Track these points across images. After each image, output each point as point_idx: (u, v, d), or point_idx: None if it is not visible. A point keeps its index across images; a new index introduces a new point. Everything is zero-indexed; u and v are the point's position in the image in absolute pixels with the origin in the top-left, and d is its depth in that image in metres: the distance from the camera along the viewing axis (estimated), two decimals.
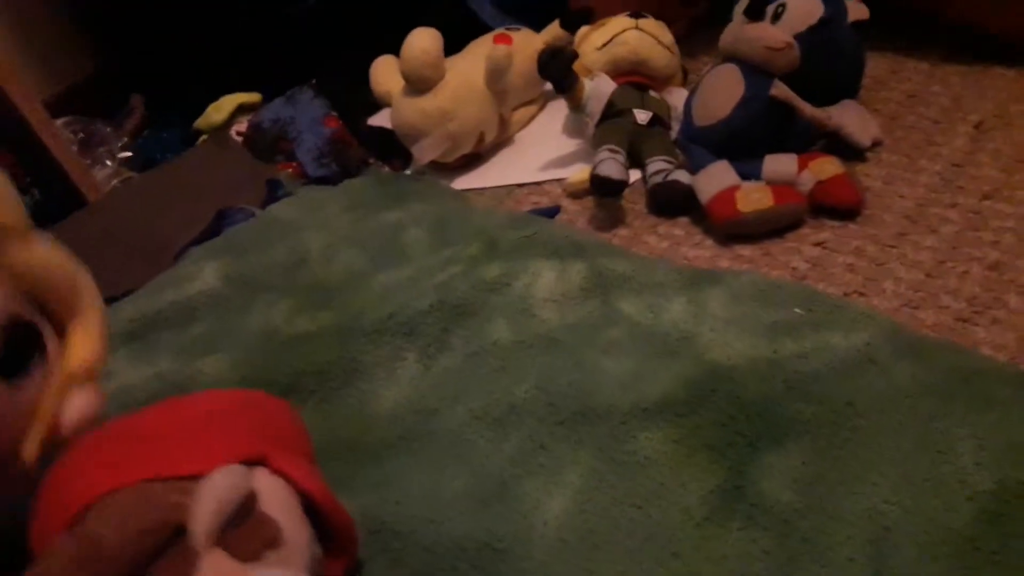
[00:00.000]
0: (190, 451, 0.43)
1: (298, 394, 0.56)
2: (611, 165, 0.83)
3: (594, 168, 0.84)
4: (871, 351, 0.47)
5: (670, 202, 0.84)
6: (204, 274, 0.67)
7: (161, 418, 0.45)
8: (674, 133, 0.93)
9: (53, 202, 1.01)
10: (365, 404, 0.55)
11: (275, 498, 0.42)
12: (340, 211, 0.73)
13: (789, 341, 0.50)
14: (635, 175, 0.89)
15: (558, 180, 0.95)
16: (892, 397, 0.45)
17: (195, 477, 0.41)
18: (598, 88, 0.93)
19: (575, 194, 0.90)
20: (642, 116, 0.91)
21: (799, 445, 0.44)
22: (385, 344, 0.58)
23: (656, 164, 0.86)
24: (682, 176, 0.83)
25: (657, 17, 0.99)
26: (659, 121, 0.92)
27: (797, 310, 0.53)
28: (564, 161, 0.97)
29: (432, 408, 0.54)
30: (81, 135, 1.17)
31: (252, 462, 0.43)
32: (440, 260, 0.65)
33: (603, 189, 0.83)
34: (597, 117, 0.93)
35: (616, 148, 0.88)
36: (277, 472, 0.43)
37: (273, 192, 0.79)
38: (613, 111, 0.92)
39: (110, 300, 0.71)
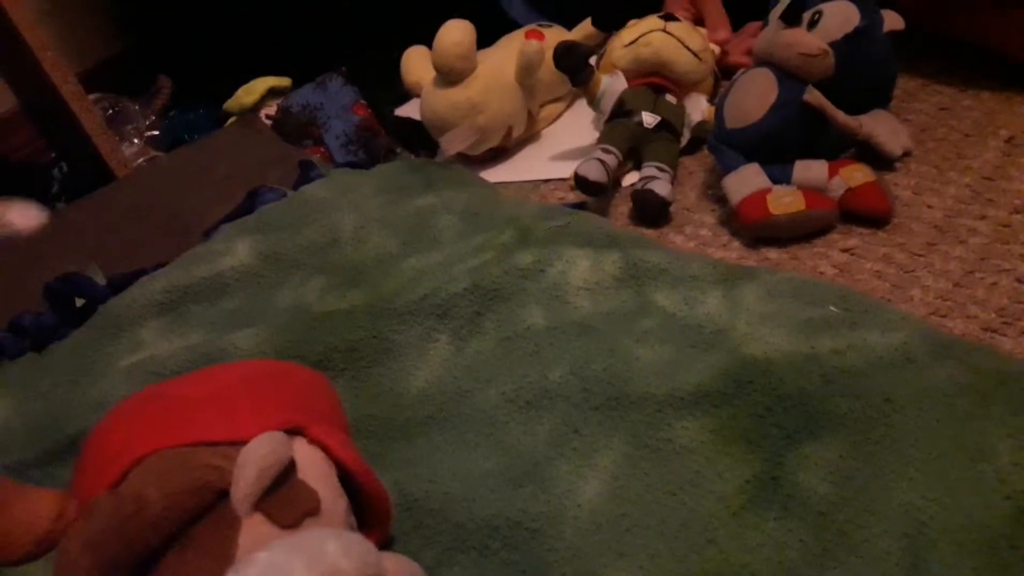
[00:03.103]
0: (230, 417, 0.43)
1: (329, 370, 0.57)
2: (591, 165, 0.84)
3: (577, 166, 0.85)
4: (908, 350, 0.48)
5: (643, 211, 0.84)
6: (236, 250, 0.68)
7: (201, 384, 0.45)
8: (684, 140, 0.93)
9: (80, 178, 1.02)
10: (396, 383, 0.56)
11: (313, 467, 0.43)
12: (372, 194, 0.74)
13: (826, 337, 0.50)
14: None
15: None
16: (930, 395, 0.45)
17: (236, 443, 0.41)
18: (611, 86, 0.94)
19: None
20: (648, 119, 0.91)
21: (836, 439, 0.44)
22: (417, 325, 0.58)
23: (647, 170, 0.87)
24: (660, 187, 0.83)
25: None
26: (668, 126, 0.92)
27: (833, 308, 0.53)
28: (585, 153, 0.97)
29: (464, 389, 0.54)
30: (109, 112, 1.18)
31: (290, 431, 0.43)
32: (472, 246, 0.65)
33: (582, 188, 0.84)
34: (607, 115, 0.93)
35: (610, 148, 0.88)
36: (315, 442, 0.44)
37: (306, 173, 0.79)
38: (623, 110, 0.92)
39: (139, 273, 0.72)
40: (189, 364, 0.57)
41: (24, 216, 0.43)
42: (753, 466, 0.44)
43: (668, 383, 0.48)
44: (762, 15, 0.91)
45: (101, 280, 0.72)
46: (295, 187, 0.78)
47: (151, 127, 1.20)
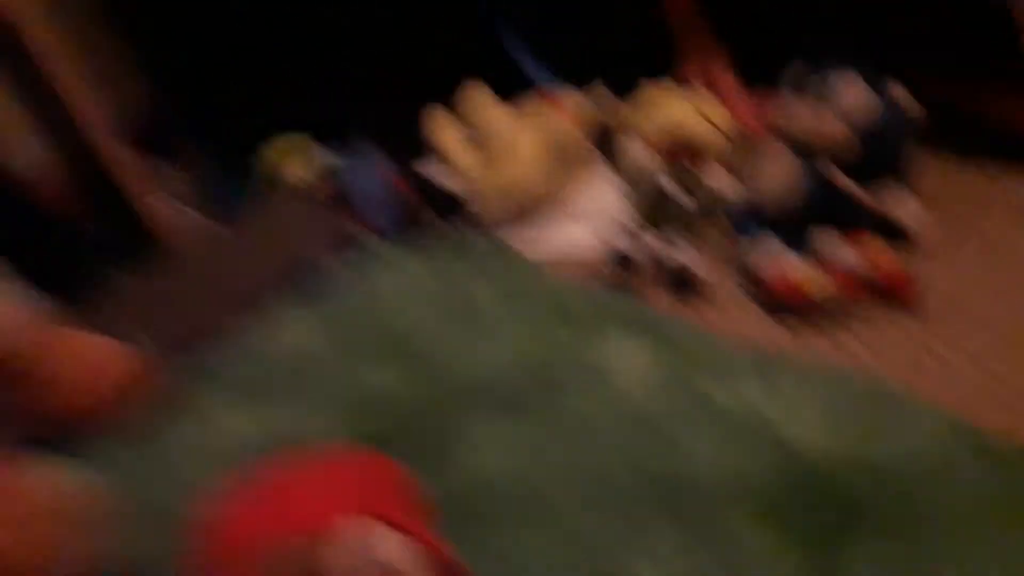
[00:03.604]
0: (324, 505, 0.46)
1: (392, 451, 0.60)
2: (620, 238, 0.89)
3: (606, 237, 0.89)
4: (945, 449, 0.51)
5: (671, 282, 0.88)
6: (295, 328, 0.71)
7: (294, 473, 0.49)
8: (706, 209, 0.97)
9: (115, 238, 1.05)
10: (454, 464, 0.59)
11: (402, 553, 0.46)
12: (420, 271, 0.78)
13: (860, 430, 0.54)
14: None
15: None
16: (971, 496, 0.48)
17: (330, 531, 0.45)
18: (635, 157, 0.98)
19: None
20: (671, 188, 0.96)
21: (880, 536, 0.48)
22: (475, 407, 0.62)
23: (671, 240, 0.91)
24: (685, 256, 0.87)
25: None
26: (690, 195, 0.96)
27: (861, 397, 0.57)
28: (612, 224, 1.01)
29: (519, 472, 0.58)
30: (144, 173, 1.21)
31: (378, 518, 0.47)
32: (519, 327, 0.69)
33: (612, 260, 0.88)
34: (631, 185, 0.98)
35: (636, 219, 0.93)
36: (401, 529, 0.47)
37: (353, 247, 0.83)
38: (646, 180, 0.97)
39: (200, 346, 0.75)
40: (262, 441, 0.61)
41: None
42: (804, 559, 0.47)
43: (717, 472, 0.52)
44: (776, 78, 0.96)
45: (152, 350, 0.75)
46: (343, 261, 0.82)
47: (183, 186, 1.24)
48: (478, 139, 1.03)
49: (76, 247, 1.12)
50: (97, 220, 1.08)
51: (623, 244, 0.88)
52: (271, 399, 0.66)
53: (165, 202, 1.18)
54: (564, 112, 1.09)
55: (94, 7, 1.36)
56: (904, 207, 0.88)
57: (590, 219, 1.05)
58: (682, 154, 1.00)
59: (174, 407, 0.68)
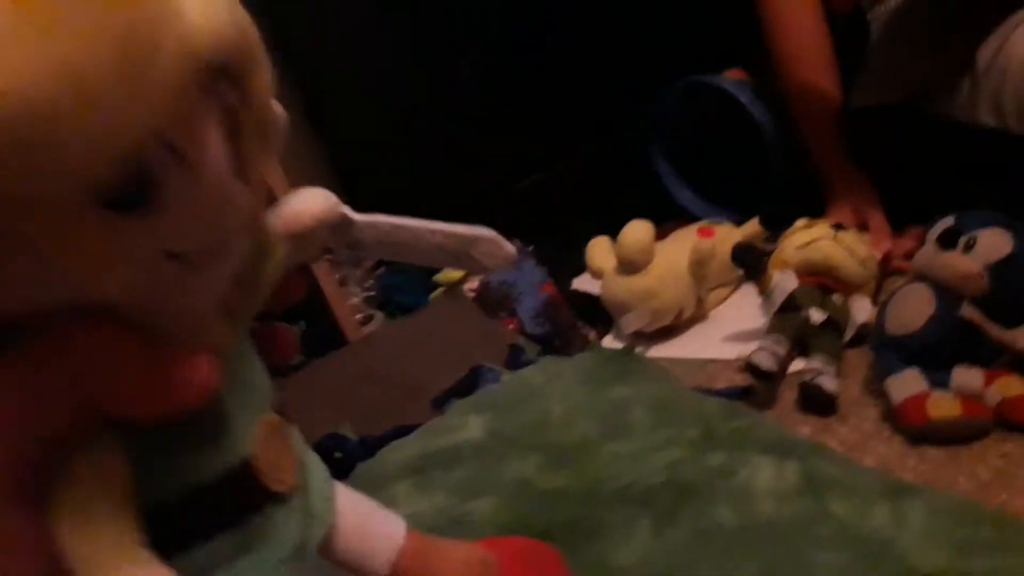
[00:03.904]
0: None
1: (550, 542, 0.69)
2: (763, 355, 0.95)
3: (750, 354, 0.96)
4: None
5: (810, 403, 0.94)
6: (469, 425, 0.83)
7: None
8: (848, 337, 1.02)
9: (316, 336, 1.22)
10: (604, 560, 0.68)
11: None
12: (575, 382, 0.88)
13: (983, 560, 0.59)
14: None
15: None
16: None
17: None
18: (782, 282, 1.05)
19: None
20: (816, 316, 1.02)
21: None
22: (623, 509, 0.70)
23: (813, 363, 0.97)
24: (827, 382, 0.92)
25: None
26: (833, 323, 1.02)
27: (987, 529, 0.62)
28: (752, 341, 1.08)
29: (658, 568, 0.66)
30: (336, 275, 1.40)
31: None
32: (662, 439, 0.77)
33: (753, 374, 0.95)
34: (776, 307, 1.05)
35: (780, 339, 0.99)
36: None
37: (516, 357, 0.95)
38: (793, 305, 1.03)
39: (385, 436, 0.88)
40: (435, 525, 0.72)
41: (494, 254, 0.51)
42: None
43: None
44: (922, 217, 1.01)
45: (353, 437, 0.89)
46: (507, 367, 0.94)
47: (367, 287, 1.42)
48: (628, 259, 1.14)
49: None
50: (302, 317, 1.26)
51: (764, 360, 0.95)
52: (445, 486, 0.78)
53: (353, 302, 1.35)
54: (713, 234, 1.18)
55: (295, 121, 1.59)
56: None
57: (730, 336, 1.13)
58: (827, 283, 1.07)
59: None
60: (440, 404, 0.92)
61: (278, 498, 0.41)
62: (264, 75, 0.37)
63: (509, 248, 0.51)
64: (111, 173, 0.30)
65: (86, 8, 0.27)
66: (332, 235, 0.47)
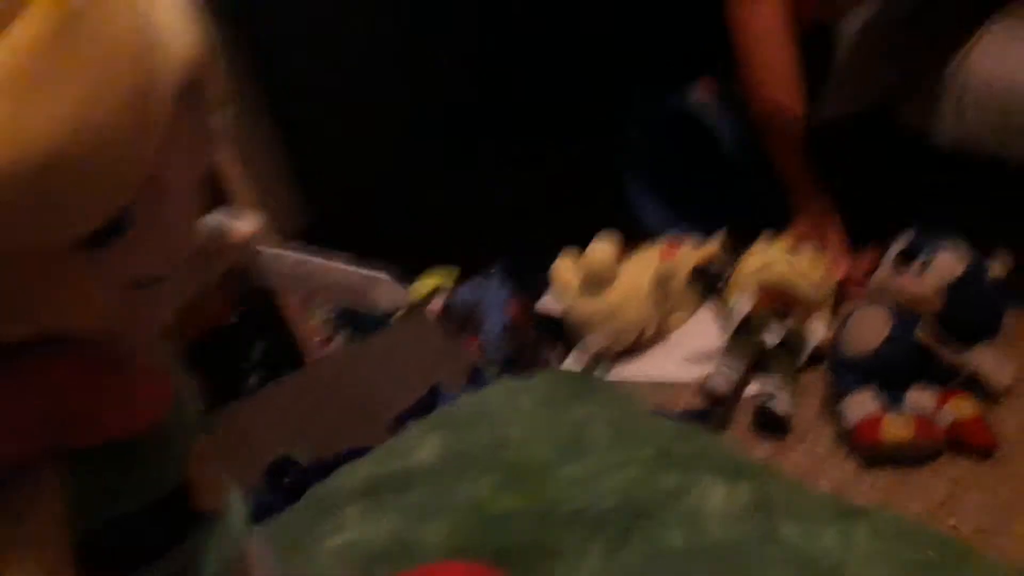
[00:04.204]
0: None
1: (500, 567, 0.69)
2: (718, 379, 0.96)
3: (704, 378, 0.96)
4: None
5: (764, 424, 0.94)
6: (424, 446, 0.83)
7: None
8: (803, 358, 1.03)
9: (274, 356, 1.21)
10: None
11: None
12: (533, 403, 0.88)
13: None
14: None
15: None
16: None
17: None
18: (738, 305, 1.06)
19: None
20: (771, 337, 1.03)
21: None
22: (575, 532, 0.70)
23: (768, 385, 0.97)
24: (780, 404, 0.93)
25: None
26: (789, 345, 1.03)
27: (931, 552, 0.62)
28: (712, 361, 1.08)
29: None
30: (298, 293, 1.39)
31: None
32: (619, 460, 0.77)
33: (708, 398, 0.95)
34: (732, 329, 1.05)
35: (735, 362, 0.99)
36: None
37: (476, 377, 0.95)
38: (749, 327, 1.04)
39: (338, 458, 0.87)
40: (386, 549, 0.71)
41: (389, 297, 0.53)
42: None
43: None
44: (882, 231, 1.02)
45: (306, 459, 0.88)
46: (466, 387, 0.94)
47: (330, 307, 1.40)
48: (593, 278, 1.14)
49: (236, 357, 1.28)
50: (257, 338, 1.25)
51: (720, 384, 0.96)
52: (397, 509, 0.77)
53: (316, 322, 1.34)
54: (675, 255, 1.19)
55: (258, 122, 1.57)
56: (995, 368, 0.92)
57: (690, 357, 1.13)
58: (782, 305, 1.07)
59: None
60: (397, 425, 0.91)
61: (206, 522, 0.41)
62: (218, 83, 0.37)
63: (403, 292, 0.55)
64: (108, 218, 0.30)
65: (92, 64, 0.28)
66: (244, 262, 0.48)
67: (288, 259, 0.50)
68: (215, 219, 0.46)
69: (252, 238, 0.47)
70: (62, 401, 0.34)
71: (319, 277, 0.52)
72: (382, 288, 0.53)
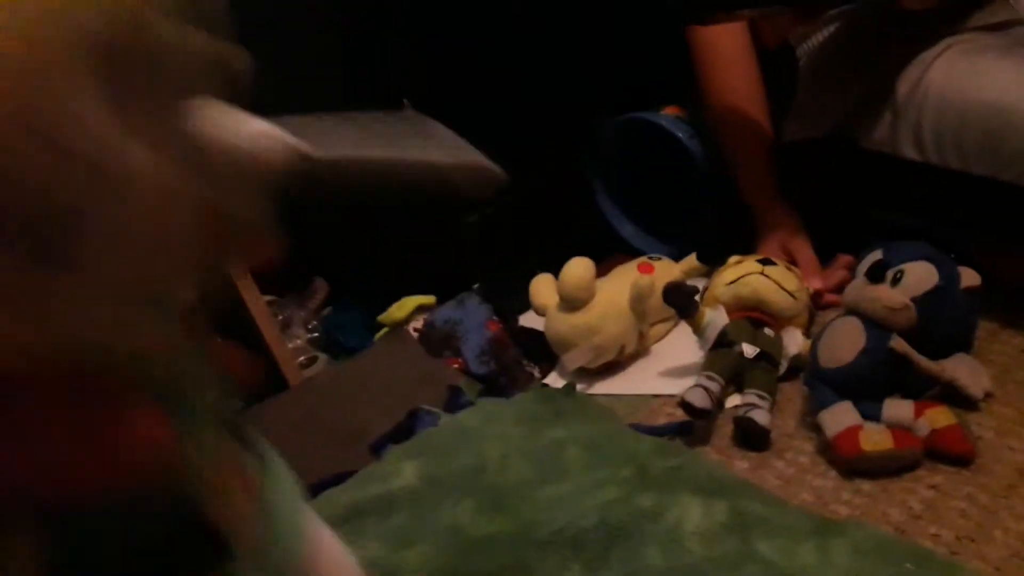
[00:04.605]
0: None
1: None
2: (697, 392, 0.96)
3: (684, 392, 0.96)
4: None
5: (744, 437, 0.95)
6: (404, 471, 0.82)
7: None
8: (782, 370, 1.04)
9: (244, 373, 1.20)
10: None
11: None
12: (512, 424, 0.88)
13: None
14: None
15: None
16: None
17: None
18: (714, 319, 1.07)
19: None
20: (749, 350, 1.03)
21: None
22: (554, 554, 0.70)
23: (747, 397, 0.98)
24: (760, 416, 0.93)
25: None
26: (766, 357, 1.03)
27: (908, 566, 0.63)
28: (692, 376, 1.08)
29: None
30: (279, 316, 1.38)
31: None
32: (597, 480, 0.77)
33: (688, 412, 0.95)
34: (710, 344, 1.06)
35: (714, 376, 1.00)
36: None
37: (455, 399, 0.95)
38: (726, 340, 1.04)
39: (320, 484, 0.87)
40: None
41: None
42: None
43: None
44: (851, 246, 1.03)
45: None
46: (446, 409, 0.93)
47: (310, 328, 1.40)
48: (571, 296, 1.14)
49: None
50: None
51: (699, 398, 0.96)
52: (378, 535, 0.77)
53: (293, 341, 1.34)
54: (652, 272, 1.20)
55: None
56: (970, 377, 0.93)
57: (669, 371, 1.14)
58: (759, 319, 1.08)
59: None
60: (378, 449, 0.91)
61: (233, 557, 0.35)
62: (194, 55, 0.31)
63: (496, 171, 0.47)
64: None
65: None
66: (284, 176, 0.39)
67: (346, 162, 0.42)
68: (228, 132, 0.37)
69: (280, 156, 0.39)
70: (25, 448, 0.28)
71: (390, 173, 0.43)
72: (472, 172, 0.46)
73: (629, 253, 1.34)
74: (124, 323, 0.28)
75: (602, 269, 1.21)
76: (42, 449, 0.28)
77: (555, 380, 1.15)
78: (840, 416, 0.91)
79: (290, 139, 0.39)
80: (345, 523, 0.78)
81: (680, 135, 1.31)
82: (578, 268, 1.13)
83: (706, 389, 0.98)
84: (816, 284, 1.15)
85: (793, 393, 1.03)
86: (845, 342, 0.94)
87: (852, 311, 0.96)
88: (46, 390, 0.28)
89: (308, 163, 0.40)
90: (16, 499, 0.28)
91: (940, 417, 0.89)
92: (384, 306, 1.30)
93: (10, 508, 0.28)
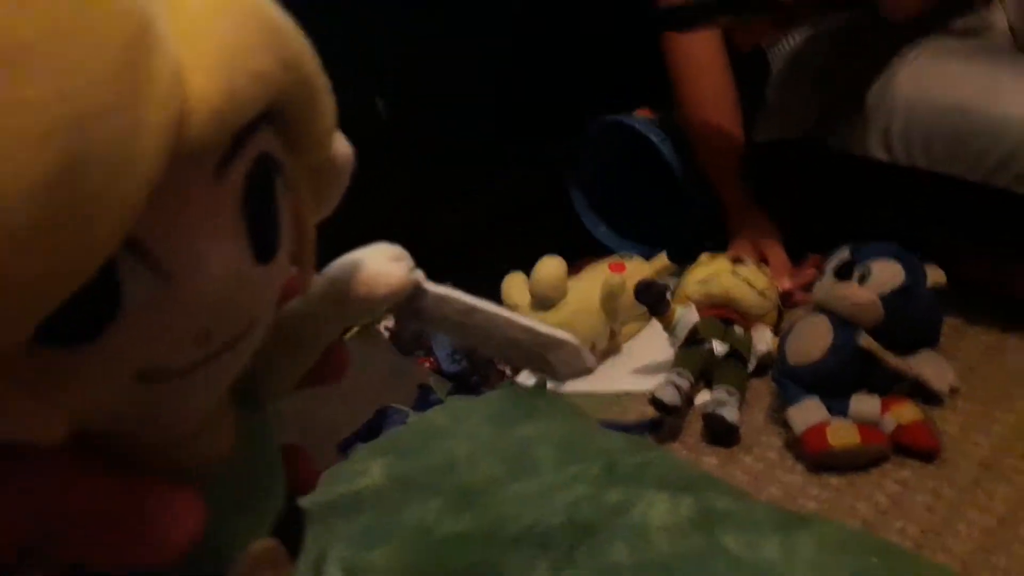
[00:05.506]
0: None
1: None
2: (667, 389, 0.97)
3: (654, 389, 0.97)
4: None
5: (713, 433, 0.95)
6: (371, 470, 0.82)
7: None
8: (751, 367, 1.04)
9: None
10: None
11: None
12: (482, 422, 0.87)
13: None
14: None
15: None
16: None
17: None
18: (684, 316, 1.07)
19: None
20: (719, 347, 1.04)
21: None
22: (521, 552, 0.69)
23: (717, 394, 0.98)
24: (729, 412, 0.94)
25: None
26: (736, 354, 1.04)
27: (874, 559, 0.63)
28: (663, 373, 1.09)
29: None
30: None
31: None
32: (567, 477, 0.77)
33: (658, 408, 0.96)
34: (680, 341, 1.06)
35: (683, 372, 1.00)
36: None
37: (425, 397, 0.94)
38: (696, 338, 1.05)
39: None
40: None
41: (571, 364, 0.47)
42: None
43: None
44: (821, 246, 1.04)
45: None
46: (416, 408, 0.93)
47: None
48: (543, 295, 1.14)
49: None
50: None
51: (669, 394, 0.96)
52: (344, 535, 0.76)
53: None
54: (622, 271, 1.20)
55: None
56: (936, 373, 0.94)
57: (641, 369, 1.14)
58: (729, 317, 1.09)
59: None
60: (345, 448, 0.90)
61: None
62: (323, 113, 0.30)
63: (590, 359, 0.46)
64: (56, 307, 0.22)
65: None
66: (399, 304, 0.41)
67: (455, 303, 0.43)
68: (340, 265, 0.39)
69: (402, 287, 0.39)
70: (43, 523, 0.26)
71: (491, 329, 0.43)
72: (566, 353, 0.45)
73: (602, 254, 1.34)
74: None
75: (574, 269, 1.21)
76: (80, 527, 0.27)
77: (526, 378, 1.14)
78: (808, 412, 0.92)
79: (410, 263, 0.41)
80: (311, 524, 0.77)
81: (653, 138, 1.32)
82: (550, 267, 1.13)
83: (676, 386, 0.98)
84: (785, 284, 1.16)
85: (762, 389, 1.04)
86: (813, 339, 0.95)
87: (821, 309, 0.97)
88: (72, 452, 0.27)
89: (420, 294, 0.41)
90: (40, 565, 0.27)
91: (906, 412, 0.90)
92: None
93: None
